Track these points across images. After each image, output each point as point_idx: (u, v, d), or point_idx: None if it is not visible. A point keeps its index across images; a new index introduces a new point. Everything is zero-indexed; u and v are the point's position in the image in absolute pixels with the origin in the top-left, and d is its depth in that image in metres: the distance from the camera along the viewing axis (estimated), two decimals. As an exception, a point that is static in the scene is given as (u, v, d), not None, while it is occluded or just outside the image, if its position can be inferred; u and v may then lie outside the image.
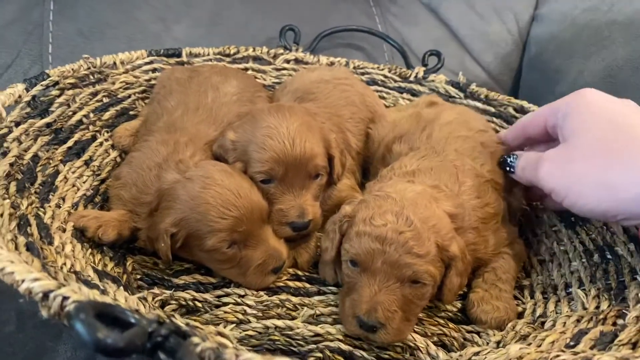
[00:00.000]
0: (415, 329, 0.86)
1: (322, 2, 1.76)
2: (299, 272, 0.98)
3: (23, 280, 0.51)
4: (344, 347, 0.81)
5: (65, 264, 0.73)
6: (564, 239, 1.00)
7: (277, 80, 1.42)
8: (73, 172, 0.99)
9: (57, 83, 1.03)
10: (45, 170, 0.93)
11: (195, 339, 0.45)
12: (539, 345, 0.73)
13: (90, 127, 1.08)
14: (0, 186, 0.78)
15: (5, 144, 0.86)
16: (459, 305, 0.94)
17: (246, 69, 1.38)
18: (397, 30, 1.79)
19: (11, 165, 0.84)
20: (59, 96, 1.03)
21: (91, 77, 1.12)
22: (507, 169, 0.97)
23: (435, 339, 0.86)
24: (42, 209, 0.85)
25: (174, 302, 0.86)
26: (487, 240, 0.95)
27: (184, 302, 0.87)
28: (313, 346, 0.81)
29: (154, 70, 1.27)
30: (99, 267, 0.82)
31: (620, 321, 0.73)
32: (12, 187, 0.81)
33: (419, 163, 0.99)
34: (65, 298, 0.48)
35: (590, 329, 0.71)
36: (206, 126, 1.05)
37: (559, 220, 1.04)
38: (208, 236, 0.85)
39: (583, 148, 0.79)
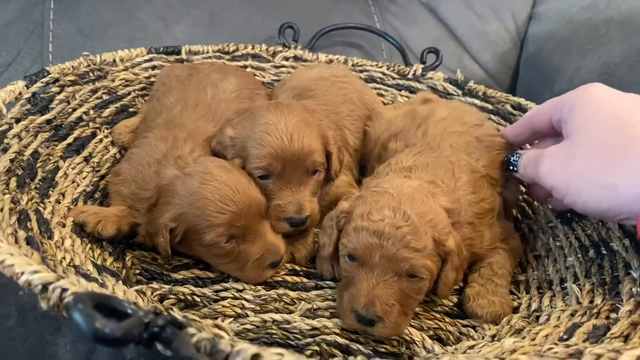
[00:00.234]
0: (411, 323, 0.87)
1: (321, 1, 1.77)
2: (297, 267, 0.99)
3: (23, 273, 0.52)
4: (340, 340, 0.82)
5: (64, 258, 0.74)
6: (560, 235, 1.01)
7: (276, 78, 1.42)
8: (73, 168, 1.00)
9: (57, 80, 1.04)
10: (46, 166, 0.94)
11: (191, 330, 0.45)
12: (533, 339, 0.74)
13: (90, 124, 1.09)
14: (0, 181, 0.79)
15: (5, 140, 0.87)
16: (455, 300, 0.95)
17: (245, 67, 1.39)
18: (396, 30, 1.80)
19: (11, 161, 0.85)
20: (59, 93, 1.04)
21: (91, 74, 1.13)
22: (511, 167, 0.95)
23: (432, 332, 0.87)
24: (42, 205, 0.86)
25: (172, 296, 0.87)
26: (482, 235, 0.95)
27: (182, 297, 0.87)
28: (310, 339, 0.82)
29: (154, 67, 1.28)
30: (98, 262, 0.83)
31: (613, 315, 0.73)
32: (13, 183, 0.82)
33: (415, 159, 1.00)
34: (64, 290, 0.49)
35: (583, 323, 0.72)
36: (205, 122, 1.06)
37: (555, 217, 1.05)
38: (206, 231, 0.86)
39: (585, 145, 0.77)
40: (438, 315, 0.91)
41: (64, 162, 0.99)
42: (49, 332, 0.78)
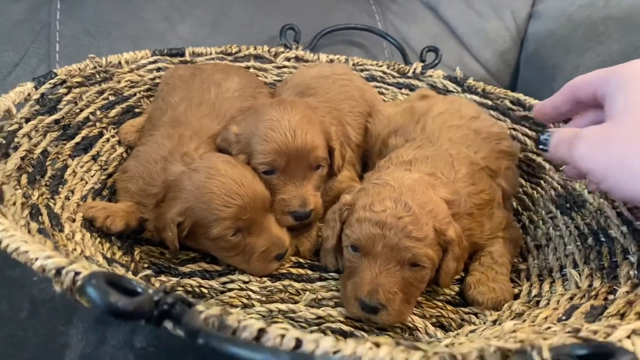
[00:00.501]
0: (414, 312, 0.89)
1: (323, 1, 1.79)
2: (301, 260, 1.01)
3: (37, 259, 0.53)
4: (345, 328, 0.84)
5: (75, 249, 0.76)
6: (560, 224, 1.02)
7: (278, 78, 1.45)
8: (81, 167, 1.03)
9: (64, 81, 1.06)
10: (55, 164, 0.96)
11: (200, 307, 0.47)
12: (533, 322, 0.75)
13: (97, 124, 1.12)
14: (12, 178, 0.82)
15: (16, 139, 0.89)
16: (456, 289, 0.96)
17: (248, 68, 1.41)
18: (397, 28, 1.82)
19: (22, 159, 0.87)
20: (66, 94, 1.06)
21: (97, 75, 1.15)
22: (541, 147, 0.87)
23: (434, 320, 0.89)
24: (52, 200, 0.88)
25: (180, 288, 0.89)
26: (482, 225, 0.97)
27: (190, 289, 0.90)
28: (315, 328, 0.84)
29: (158, 69, 1.30)
30: (108, 255, 0.85)
31: (611, 296, 0.75)
32: (24, 179, 0.85)
33: (415, 153, 1.02)
34: (77, 273, 0.51)
35: (582, 304, 0.74)
36: (209, 120, 1.08)
37: (555, 207, 1.07)
38: (213, 224, 0.88)
39: (626, 129, 0.71)
40: (440, 304, 0.92)
41: (73, 160, 1.02)
42: (61, 323, 0.80)
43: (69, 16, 1.49)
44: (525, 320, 0.77)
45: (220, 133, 1.06)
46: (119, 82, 1.21)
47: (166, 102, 1.14)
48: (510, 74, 1.89)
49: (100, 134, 1.12)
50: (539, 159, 1.17)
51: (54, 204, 0.87)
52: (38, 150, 0.93)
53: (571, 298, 0.80)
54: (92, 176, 1.04)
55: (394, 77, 1.48)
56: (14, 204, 0.75)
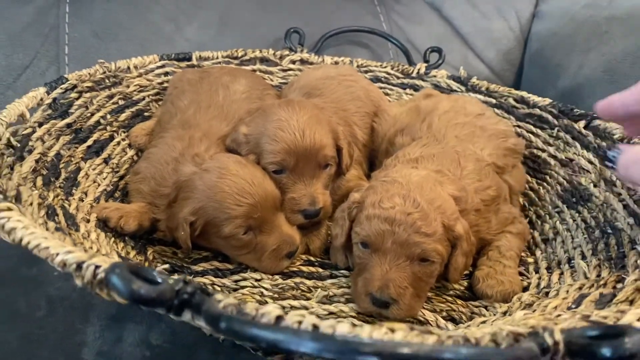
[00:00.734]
0: (424, 306, 0.90)
1: (328, 2, 1.80)
2: (312, 258, 1.03)
3: (58, 254, 0.54)
4: (356, 323, 0.85)
5: (92, 247, 0.77)
6: (567, 218, 1.03)
7: (283, 81, 1.46)
8: (93, 169, 1.04)
9: (75, 86, 1.08)
10: (68, 167, 0.98)
11: (219, 296, 0.48)
12: (543, 311, 0.76)
13: (108, 128, 1.14)
14: (28, 180, 0.83)
15: (30, 143, 0.91)
16: (465, 284, 0.97)
17: (254, 71, 1.43)
18: (402, 29, 1.83)
19: (36, 161, 0.89)
20: (77, 99, 1.08)
21: (107, 80, 1.18)
22: (608, 164, 0.77)
23: (445, 314, 0.90)
24: (67, 201, 0.90)
25: (193, 286, 0.90)
26: (489, 221, 0.98)
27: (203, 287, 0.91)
28: (327, 323, 0.85)
29: (166, 73, 1.33)
30: (123, 254, 0.86)
31: (619, 285, 0.76)
32: (39, 181, 0.86)
33: (421, 150, 1.03)
34: (97, 267, 0.52)
35: (591, 293, 0.75)
36: (218, 122, 1.10)
37: (562, 201, 1.08)
38: (225, 223, 0.90)
39: None
40: (450, 298, 0.93)
41: (85, 163, 1.03)
42: (78, 321, 0.81)
43: (77, 19, 1.51)
44: (535, 310, 0.78)
45: (229, 134, 1.07)
46: (128, 86, 1.23)
47: (175, 105, 1.15)
48: (514, 74, 1.89)
49: (111, 138, 1.14)
50: (544, 155, 1.18)
51: (69, 205, 0.89)
52: (52, 153, 0.95)
53: (580, 288, 0.81)
54: (104, 178, 1.06)
55: (398, 77, 1.50)
56: (31, 204, 0.76)
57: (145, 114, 1.26)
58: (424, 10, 1.90)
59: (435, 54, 1.53)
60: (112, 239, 0.90)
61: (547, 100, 1.22)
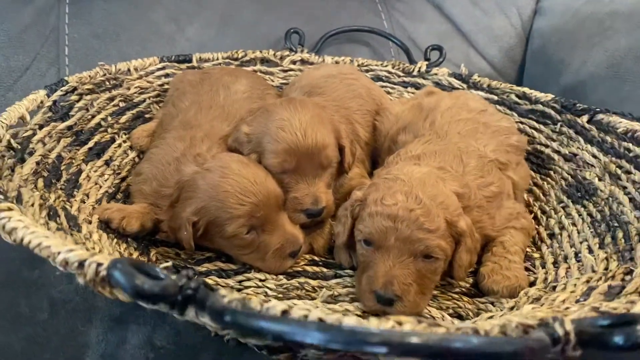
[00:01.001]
0: (430, 304, 0.89)
1: (329, 0, 1.80)
2: (316, 258, 1.02)
3: (59, 252, 0.54)
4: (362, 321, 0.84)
5: (94, 248, 0.77)
6: (572, 213, 1.03)
7: (284, 81, 1.46)
8: (95, 171, 1.04)
9: (75, 89, 1.08)
10: (69, 169, 0.98)
11: (223, 291, 0.48)
12: (551, 305, 0.75)
13: (109, 130, 1.14)
14: (29, 182, 0.83)
15: (31, 145, 0.90)
16: (470, 280, 0.96)
17: (254, 72, 1.43)
18: (403, 27, 1.83)
19: (37, 163, 0.88)
20: (77, 101, 1.08)
21: (107, 83, 1.17)
22: None
23: (451, 311, 0.89)
24: (68, 203, 0.89)
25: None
26: (493, 217, 0.97)
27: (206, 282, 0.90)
28: (333, 322, 0.84)
29: (167, 75, 1.33)
30: (126, 255, 0.86)
31: (628, 277, 0.75)
32: (40, 183, 0.86)
33: (423, 147, 1.03)
34: (99, 264, 0.51)
35: (599, 285, 0.74)
36: (220, 122, 1.09)
37: (566, 196, 1.07)
38: (228, 223, 0.89)
39: None
40: (456, 296, 0.93)
41: (86, 165, 1.03)
42: (81, 323, 0.81)
43: (77, 20, 1.51)
44: (543, 305, 0.77)
45: (231, 134, 1.07)
46: (128, 88, 1.23)
47: (176, 106, 1.15)
48: (516, 71, 1.89)
49: (112, 140, 1.14)
50: (548, 150, 1.18)
51: (70, 207, 0.89)
52: (52, 156, 0.94)
53: (588, 281, 0.80)
54: (105, 180, 1.05)
55: (399, 76, 1.50)
56: (32, 205, 0.76)
57: (146, 115, 1.26)
58: (425, 8, 1.90)
59: (436, 52, 1.53)
60: (115, 240, 0.90)
61: (550, 96, 1.22)
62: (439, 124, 1.09)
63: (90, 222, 0.89)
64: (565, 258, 0.95)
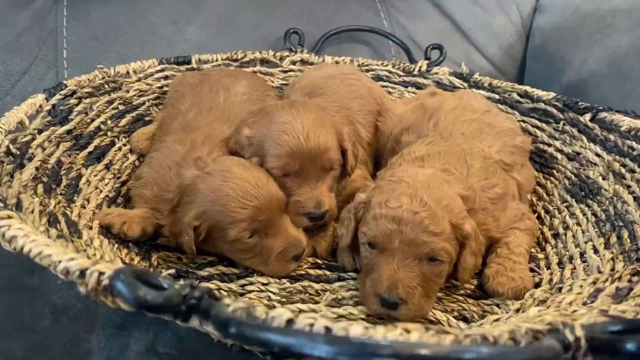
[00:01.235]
0: (435, 307, 0.88)
1: (330, 0, 1.80)
2: (319, 261, 1.01)
3: (60, 261, 0.53)
4: (368, 325, 0.83)
5: (95, 254, 0.76)
6: (576, 212, 1.02)
7: (284, 82, 1.45)
8: (95, 176, 1.03)
9: (74, 92, 1.08)
10: (69, 173, 0.97)
11: (227, 300, 0.47)
12: (558, 307, 0.75)
13: (109, 133, 1.13)
14: (28, 188, 0.82)
15: (30, 150, 0.90)
16: (475, 282, 0.96)
17: (254, 72, 1.42)
18: (403, 26, 1.82)
19: (37, 169, 0.88)
20: (77, 105, 1.07)
21: (106, 86, 1.17)
22: None
23: (456, 313, 0.88)
24: (68, 208, 0.88)
25: (199, 292, 0.89)
26: (497, 219, 0.97)
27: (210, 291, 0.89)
28: (337, 326, 0.83)
29: (166, 77, 1.32)
30: (127, 260, 0.85)
31: (635, 278, 0.74)
32: (40, 189, 0.85)
33: (427, 149, 1.02)
34: (101, 273, 0.50)
35: (606, 287, 0.73)
36: (220, 124, 1.09)
37: (570, 196, 1.07)
38: (230, 227, 0.88)
39: None
40: (461, 298, 0.92)
41: (86, 169, 1.02)
42: (83, 331, 0.80)
43: (75, 22, 1.50)
44: (549, 307, 0.76)
45: (231, 137, 1.06)
46: (127, 91, 1.22)
47: (176, 109, 1.14)
48: (517, 69, 1.88)
49: (112, 143, 1.13)
50: (550, 150, 1.17)
51: (71, 212, 0.88)
52: (52, 160, 0.94)
53: (594, 282, 0.80)
54: (106, 185, 1.05)
55: (399, 76, 1.49)
56: (32, 212, 0.75)
57: (146, 118, 1.25)
58: (425, 7, 1.89)
59: (437, 51, 1.52)
60: (116, 245, 0.89)
61: (552, 94, 1.21)
62: (443, 125, 1.08)
63: (91, 228, 0.88)
64: (571, 258, 0.94)
